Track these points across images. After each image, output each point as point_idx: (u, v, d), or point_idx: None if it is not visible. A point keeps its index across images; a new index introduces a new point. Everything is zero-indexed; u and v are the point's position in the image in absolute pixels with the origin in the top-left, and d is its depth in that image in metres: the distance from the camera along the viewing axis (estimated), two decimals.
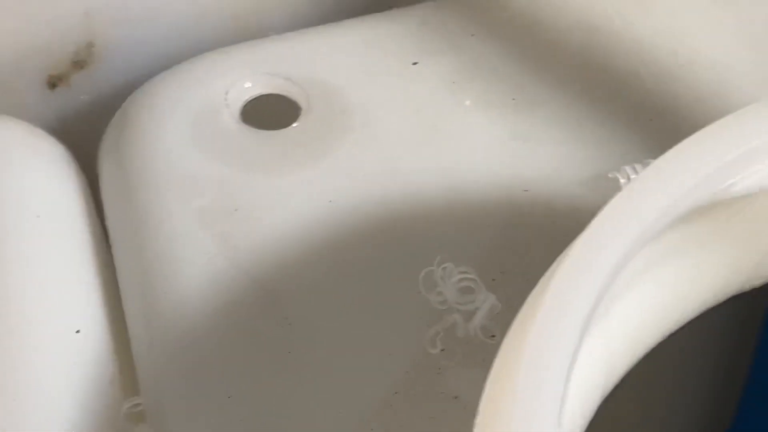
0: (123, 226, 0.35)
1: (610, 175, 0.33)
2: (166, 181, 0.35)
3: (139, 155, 0.36)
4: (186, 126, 0.36)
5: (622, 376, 0.26)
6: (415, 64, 0.37)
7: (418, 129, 0.35)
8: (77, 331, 0.32)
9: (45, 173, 0.36)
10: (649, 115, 0.35)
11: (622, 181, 0.33)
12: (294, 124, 0.36)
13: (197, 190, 0.34)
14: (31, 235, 0.34)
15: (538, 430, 0.19)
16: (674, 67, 0.37)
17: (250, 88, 0.37)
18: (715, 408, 0.38)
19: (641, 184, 0.22)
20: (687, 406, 0.37)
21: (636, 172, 0.33)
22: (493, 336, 0.30)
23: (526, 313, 0.22)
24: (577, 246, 0.22)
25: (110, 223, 0.36)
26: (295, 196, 0.34)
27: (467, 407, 0.29)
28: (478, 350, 0.30)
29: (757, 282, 0.28)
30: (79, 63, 0.40)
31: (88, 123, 0.40)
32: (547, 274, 0.23)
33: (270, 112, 0.36)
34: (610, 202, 0.22)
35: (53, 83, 0.40)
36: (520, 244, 0.32)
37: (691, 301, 0.27)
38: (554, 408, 0.20)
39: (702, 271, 0.26)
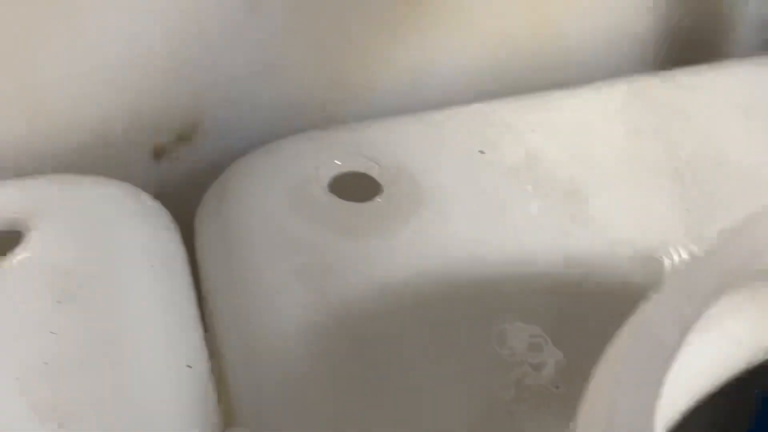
0: (223, 279, 0.39)
1: (656, 256, 0.39)
2: (265, 242, 0.39)
3: (238, 219, 0.40)
4: (281, 195, 0.41)
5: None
6: (481, 152, 0.42)
7: (485, 208, 0.40)
8: (189, 366, 0.36)
9: (152, 230, 0.41)
10: (687, 206, 0.41)
11: (666, 261, 0.38)
12: (377, 199, 0.41)
13: (294, 251, 0.39)
14: (147, 282, 0.38)
15: None
16: (708, 167, 0.42)
17: (338, 165, 0.42)
18: None
19: (714, 249, 0.27)
20: None
21: (679, 254, 0.38)
22: (558, 387, 0.35)
23: (612, 356, 0.27)
24: (662, 294, 0.26)
25: (208, 275, 0.40)
26: (379, 259, 0.38)
27: None
28: (546, 398, 0.35)
29: None
30: (183, 137, 0.44)
31: (186, 190, 0.44)
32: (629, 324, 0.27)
33: (355, 188, 0.41)
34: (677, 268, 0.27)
35: (158, 154, 0.45)
36: (579, 309, 0.37)
37: (727, 365, 0.31)
38: None
39: (743, 339, 0.31)
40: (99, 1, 0.41)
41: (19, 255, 0.38)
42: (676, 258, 0.38)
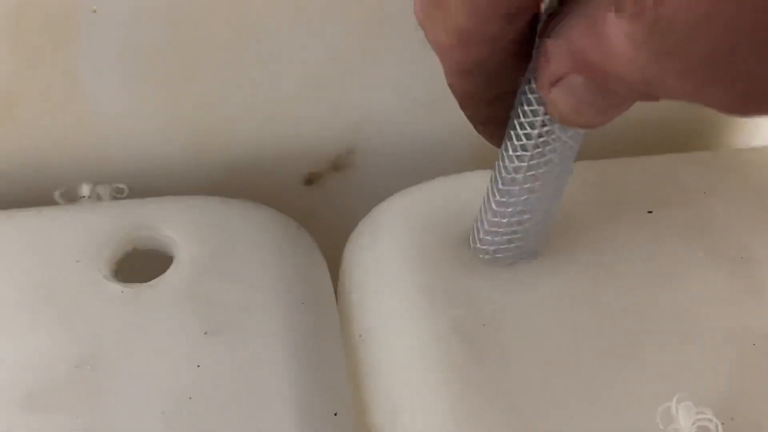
0: (371, 322, 0.38)
1: None
2: (419, 289, 0.37)
3: (390, 261, 0.39)
4: (436, 238, 0.39)
5: None
6: (650, 212, 0.40)
7: (653, 272, 0.38)
8: (335, 414, 0.35)
9: (302, 263, 0.40)
10: None
11: None
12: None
13: (450, 302, 0.37)
14: (296, 319, 0.37)
15: None
16: None
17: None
18: None
19: None
20: None
21: None
22: None
23: None
24: None
25: (352, 313, 0.39)
26: (538, 318, 0.37)
27: None
28: None
29: None
30: (337, 166, 0.43)
31: (334, 220, 0.43)
32: None
33: None
34: None
35: (310, 180, 0.43)
36: (751, 393, 0.34)
37: None
38: None
39: None
40: (270, 31, 0.40)
41: (170, 280, 0.37)
42: None
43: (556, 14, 0.29)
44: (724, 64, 0.24)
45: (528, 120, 0.32)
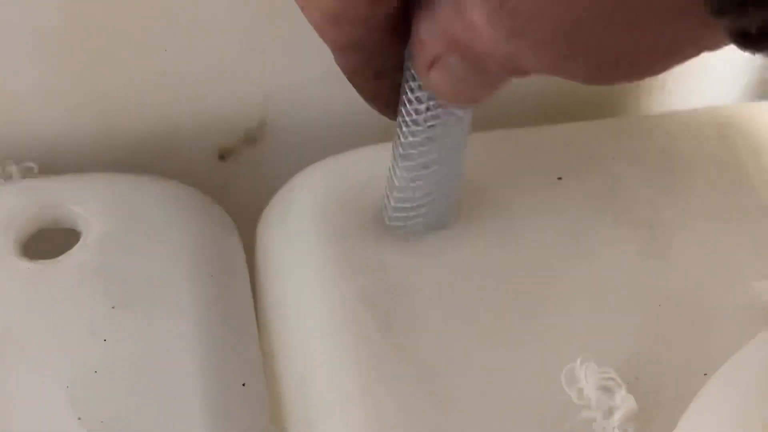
0: (282, 294, 0.38)
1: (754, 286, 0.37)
2: (328, 260, 0.38)
3: (301, 234, 0.39)
4: (347, 210, 0.39)
5: None
6: (560, 179, 0.40)
7: (562, 237, 0.39)
8: (243, 384, 0.35)
9: (213, 237, 0.40)
10: None
11: (764, 297, 0.36)
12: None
13: (358, 271, 0.37)
14: (206, 292, 0.37)
15: None
16: None
17: None
18: None
19: None
20: None
21: None
22: None
23: None
24: None
25: (266, 289, 0.39)
26: (446, 285, 0.37)
27: None
28: None
29: None
30: (250, 139, 0.43)
31: (250, 194, 0.43)
32: None
33: None
34: None
35: (223, 155, 0.43)
36: (656, 354, 0.35)
37: None
38: None
39: None
40: (178, 6, 0.40)
41: (77, 255, 0.37)
42: None
43: None
44: (573, 39, 0.25)
45: (415, 95, 0.33)
